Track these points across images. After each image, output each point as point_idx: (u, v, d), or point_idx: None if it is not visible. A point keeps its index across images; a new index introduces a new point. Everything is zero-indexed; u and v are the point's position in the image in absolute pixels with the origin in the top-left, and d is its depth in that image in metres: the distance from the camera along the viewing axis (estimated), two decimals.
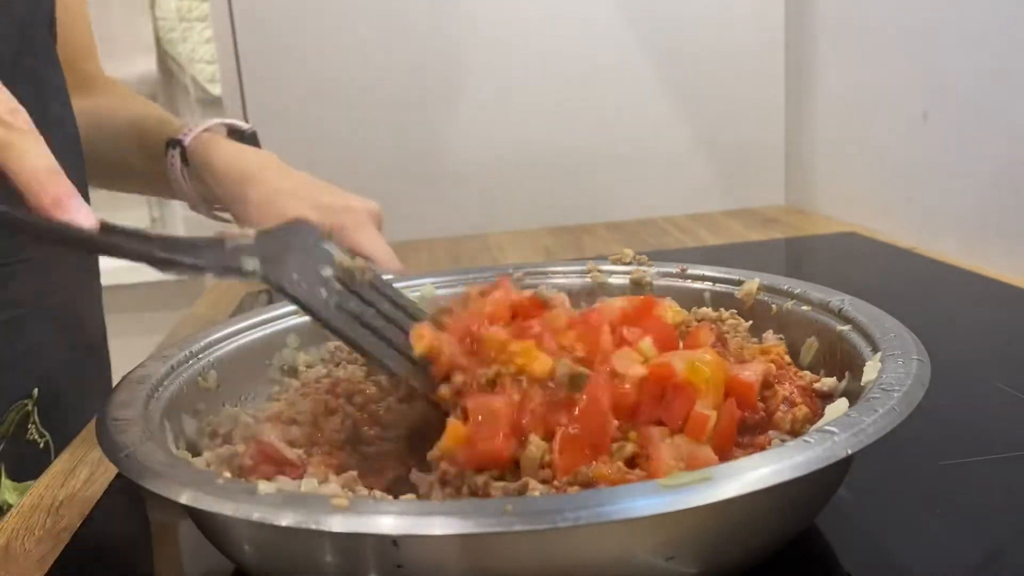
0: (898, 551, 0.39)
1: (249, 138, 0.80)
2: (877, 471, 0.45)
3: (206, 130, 0.76)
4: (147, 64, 1.43)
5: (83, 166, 0.70)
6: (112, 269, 1.46)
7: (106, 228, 0.36)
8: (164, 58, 1.46)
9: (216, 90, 1.38)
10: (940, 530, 0.40)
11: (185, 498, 0.31)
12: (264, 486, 0.31)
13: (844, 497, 0.42)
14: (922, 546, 0.39)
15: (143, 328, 1.48)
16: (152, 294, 1.50)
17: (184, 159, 0.75)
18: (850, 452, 0.31)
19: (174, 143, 0.75)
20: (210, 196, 0.77)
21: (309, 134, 1.14)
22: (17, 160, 0.35)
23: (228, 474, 0.40)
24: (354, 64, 1.14)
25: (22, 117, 0.36)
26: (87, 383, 0.71)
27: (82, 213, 0.36)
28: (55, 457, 0.57)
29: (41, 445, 0.65)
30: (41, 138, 0.37)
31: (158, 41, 1.44)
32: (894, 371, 0.38)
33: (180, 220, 1.52)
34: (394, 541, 0.30)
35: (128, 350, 0.82)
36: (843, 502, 0.41)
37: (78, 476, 0.53)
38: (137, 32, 1.42)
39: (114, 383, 0.74)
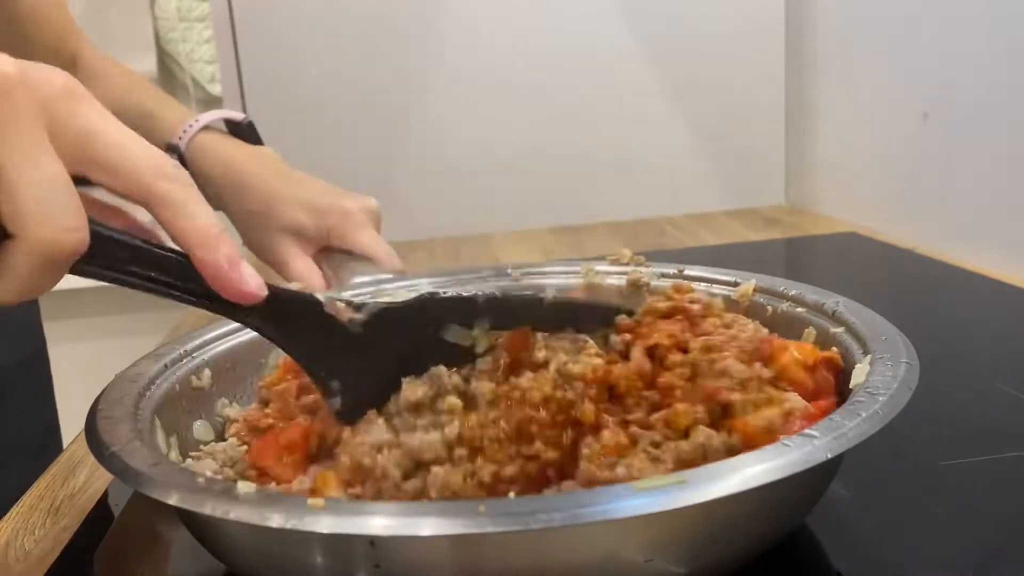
0: (894, 551, 0.38)
1: (245, 129, 0.79)
2: (876, 471, 0.45)
3: (204, 128, 0.74)
4: (147, 64, 1.43)
5: None
6: None
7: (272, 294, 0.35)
8: (164, 58, 1.46)
9: (216, 90, 1.38)
10: (938, 530, 0.40)
11: (164, 496, 0.32)
12: (243, 486, 0.31)
13: (842, 497, 0.42)
14: (920, 546, 0.39)
15: (143, 328, 1.48)
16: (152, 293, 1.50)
17: (184, 164, 0.74)
18: (830, 456, 0.31)
19: (172, 148, 0.74)
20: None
21: (309, 133, 1.14)
22: (187, 218, 0.33)
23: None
24: (354, 64, 1.14)
25: (184, 174, 0.34)
26: (32, 390, 0.71)
27: (254, 280, 0.34)
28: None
29: None
30: (202, 196, 0.34)
31: (158, 41, 1.44)
32: (882, 374, 0.38)
33: None
34: (371, 542, 0.30)
35: (128, 350, 0.82)
36: (841, 502, 0.41)
37: (78, 476, 0.53)
38: (137, 32, 1.42)
39: (56, 390, 0.74)
